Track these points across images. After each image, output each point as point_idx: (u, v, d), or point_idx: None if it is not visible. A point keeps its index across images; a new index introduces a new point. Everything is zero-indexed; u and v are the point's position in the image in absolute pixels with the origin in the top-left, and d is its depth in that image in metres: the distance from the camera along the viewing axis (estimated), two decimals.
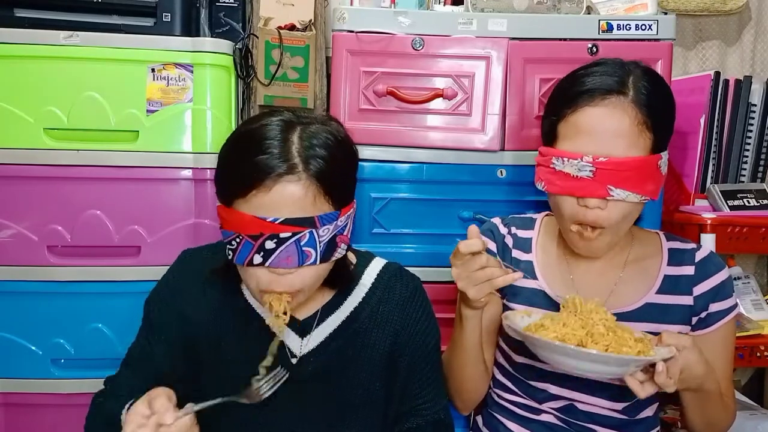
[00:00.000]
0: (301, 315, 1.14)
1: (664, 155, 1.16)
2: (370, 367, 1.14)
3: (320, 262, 1.00)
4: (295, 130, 0.99)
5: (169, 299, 1.15)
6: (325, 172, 0.98)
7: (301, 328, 1.14)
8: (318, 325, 1.14)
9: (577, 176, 1.10)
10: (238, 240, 0.98)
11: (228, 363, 1.11)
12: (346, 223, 1.04)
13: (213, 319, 1.13)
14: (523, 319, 1.16)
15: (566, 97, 1.14)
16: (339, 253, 1.04)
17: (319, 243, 0.99)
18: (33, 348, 1.50)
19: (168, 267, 1.22)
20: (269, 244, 0.96)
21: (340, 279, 1.13)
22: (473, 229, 1.08)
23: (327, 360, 1.13)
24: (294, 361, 1.12)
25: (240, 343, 1.12)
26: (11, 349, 1.49)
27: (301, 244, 0.97)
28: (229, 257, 1.02)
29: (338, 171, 1.01)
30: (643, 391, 1.03)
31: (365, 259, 1.21)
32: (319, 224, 0.98)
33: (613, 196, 1.10)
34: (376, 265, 1.20)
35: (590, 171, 1.09)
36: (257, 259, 0.98)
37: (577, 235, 1.16)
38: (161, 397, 0.94)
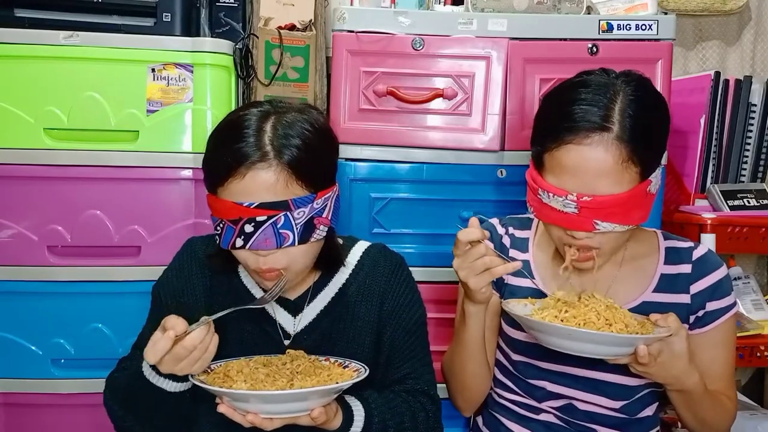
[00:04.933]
0: (293, 294, 1.18)
1: (655, 176, 1.13)
2: (361, 340, 1.17)
3: (299, 243, 1.04)
4: (270, 120, 1.04)
5: (172, 284, 1.19)
6: (297, 158, 1.02)
7: (293, 307, 1.18)
8: (309, 303, 1.18)
9: (563, 211, 1.11)
10: (221, 225, 1.05)
11: (222, 343, 1.13)
12: (325, 206, 1.07)
13: (208, 299, 1.17)
14: (526, 306, 1.17)
15: (551, 128, 1.12)
16: (318, 235, 1.07)
17: (296, 225, 1.04)
18: (33, 348, 1.50)
19: (166, 266, 1.23)
20: (248, 228, 1.02)
21: (331, 260, 1.17)
22: (474, 220, 1.10)
23: (320, 336, 1.17)
24: (287, 343, 1.15)
25: (232, 322, 1.15)
26: (11, 349, 1.50)
27: (278, 226, 1.02)
28: (218, 242, 1.07)
29: (312, 156, 1.05)
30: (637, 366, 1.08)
31: (351, 241, 1.25)
32: (294, 207, 1.03)
33: (599, 229, 1.11)
34: (362, 245, 1.24)
35: (575, 208, 1.10)
36: (239, 242, 1.03)
37: (569, 253, 1.17)
38: (171, 318, 0.98)
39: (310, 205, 1.04)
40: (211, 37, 1.69)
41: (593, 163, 1.07)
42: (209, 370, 1.04)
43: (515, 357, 1.26)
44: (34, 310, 1.50)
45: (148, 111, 1.50)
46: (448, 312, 1.47)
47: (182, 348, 0.96)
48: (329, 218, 1.09)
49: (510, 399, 1.29)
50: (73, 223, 1.49)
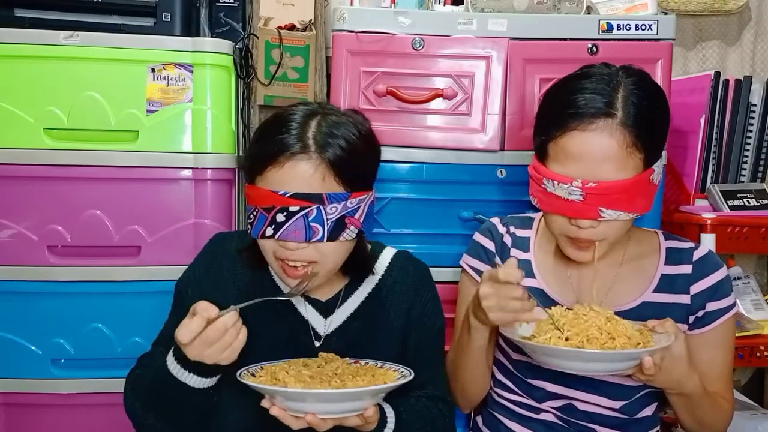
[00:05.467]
0: (324, 296, 1.19)
1: (657, 166, 1.15)
2: (388, 344, 1.18)
3: (327, 240, 1.05)
4: (316, 117, 1.07)
5: (199, 279, 1.19)
6: (336, 154, 1.04)
7: (324, 308, 1.18)
8: (340, 305, 1.19)
9: (567, 199, 1.11)
10: (255, 213, 1.06)
11: (253, 340, 1.13)
12: (358, 207, 1.08)
13: (239, 297, 1.15)
14: (521, 326, 1.16)
15: (554, 117, 1.13)
16: (348, 235, 1.07)
17: (327, 220, 1.04)
18: (33, 348, 1.50)
19: (166, 266, 1.23)
20: (280, 217, 1.03)
21: (361, 266, 1.17)
22: (513, 260, 1.08)
23: (349, 339, 1.17)
24: (317, 344, 1.15)
25: (263, 322, 1.15)
26: (11, 349, 1.49)
27: (309, 219, 1.03)
28: (249, 232, 1.08)
29: (352, 157, 1.05)
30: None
31: (379, 246, 1.26)
32: (327, 201, 1.03)
33: (604, 216, 1.10)
34: (390, 252, 1.26)
35: (580, 195, 1.10)
36: (269, 231, 1.04)
37: (570, 245, 1.17)
38: (202, 303, 0.99)
39: (343, 203, 1.05)
40: (211, 37, 1.70)
41: (598, 148, 1.08)
42: (253, 375, 1.03)
43: (515, 357, 1.26)
44: (34, 310, 1.49)
45: (148, 111, 1.50)
46: (448, 312, 1.46)
47: (214, 330, 0.97)
48: (361, 221, 1.09)
49: (510, 399, 1.29)
50: (73, 223, 1.49)
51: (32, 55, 1.47)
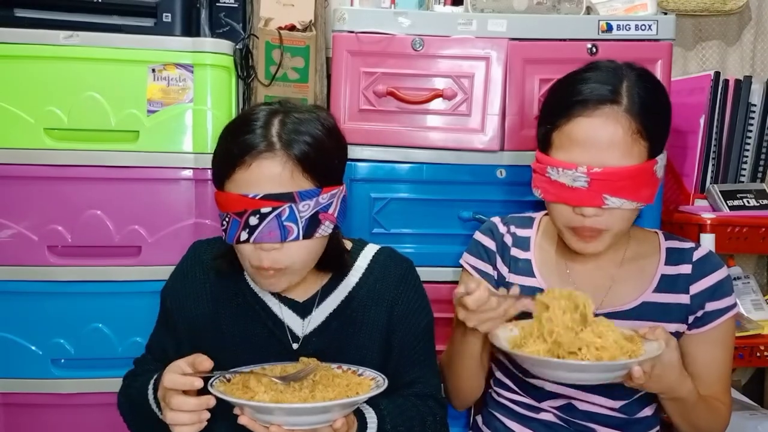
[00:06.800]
0: (301, 297, 1.18)
1: (660, 159, 1.16)
2: (369, 344, 1.17)
3: (303, 238, 1.04)
4: (278, 115, 1.06)
5: (177, 289, 1.20)
6: (303, 150, 1.03)
7: (302, 309, 1.17)
8: (318, 305, 1.18)
9: (572, 186, 1.11)
10: (227, 219, 1.05)
11: (229, 346, 1.15)
12: (330, 202, 1.07)
13: (214, 303, 1.17)
14: (512, 330, 1.15)
15: (560, 105, 1.15)
16: (323, 231, 1.07)
17: (300, 218, 1.03)
18: (33, 348, 1.50)
19: (166, 266, 1.24)
20: (253, 220, 1.02)
21: (336, 261, 1.17)
22: (474, 279, 1.07)
23: (328, 340, 1.16)
24: (296, 346, 1.15)
25: (240, 325, 1.16)
26: (11, 349, 1.49)
27: (282, 219, 1.02)
28: (224, 238, 1.08)
29: (319, 152, 1.05)
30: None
31: (360, 244, 1.25)
32: (299, 199, 1.03)
33: (608, 204, 1.11)
34: (371, 249, 1.24)
35: (585, 181, 1.10)
36: (243, 235, 1.03)
37: (574, 235, 1.17)
38: (205, 361, 1.00)
39: (315, 199, 1.04)
40: (212, 37, 1.69)
41: (603, 133, 1.10)
42: (227, 381, 1.03)
43: None
44: (34, 310, 1.49)
45: (149, 111, 1.50)
46: (447, 312, 1.47)
47: (183, 401, 0.98)
48: (335, 215, 1.08)
49: (510, 398, 1.30)
50: (73, 223, 1.49)
51: (32, 55, 1.47)
